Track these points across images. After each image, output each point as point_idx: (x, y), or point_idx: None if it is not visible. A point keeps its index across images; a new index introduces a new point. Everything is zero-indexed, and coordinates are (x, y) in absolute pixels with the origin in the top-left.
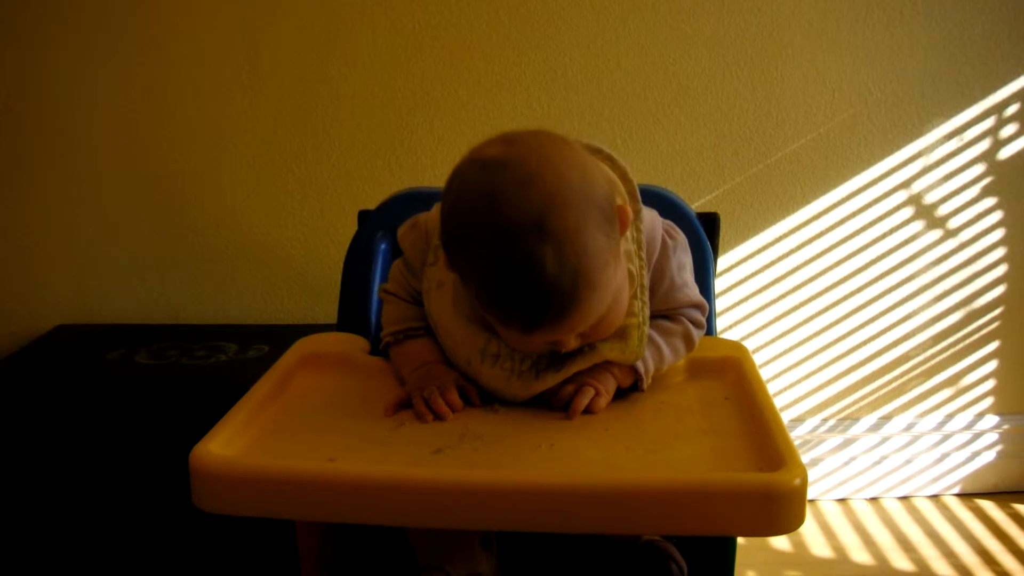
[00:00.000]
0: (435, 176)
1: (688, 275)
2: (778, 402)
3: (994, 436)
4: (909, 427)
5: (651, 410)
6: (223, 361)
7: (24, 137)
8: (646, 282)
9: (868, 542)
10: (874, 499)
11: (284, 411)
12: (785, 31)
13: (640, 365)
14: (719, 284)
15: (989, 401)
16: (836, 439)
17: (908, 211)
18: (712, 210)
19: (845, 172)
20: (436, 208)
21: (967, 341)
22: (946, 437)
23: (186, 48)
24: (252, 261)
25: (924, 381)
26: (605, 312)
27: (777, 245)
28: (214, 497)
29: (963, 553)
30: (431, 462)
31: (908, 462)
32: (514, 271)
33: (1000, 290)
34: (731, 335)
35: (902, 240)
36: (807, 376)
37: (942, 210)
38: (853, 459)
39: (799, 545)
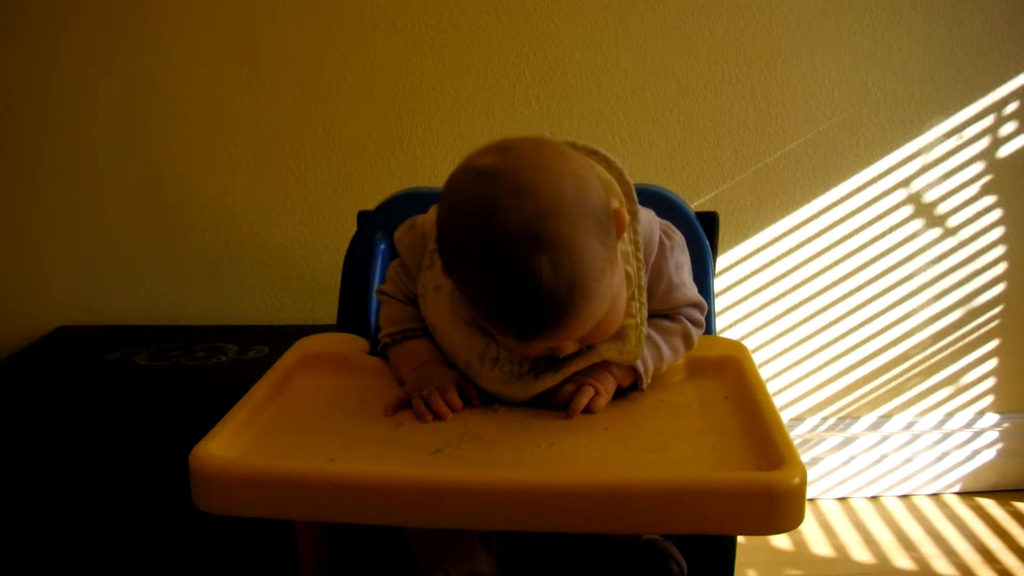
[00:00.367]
0: (434, 176)
1: (686, 274)
2: (778, 401)
3: (994, 434)
4: (909, 426)
5: (651, 409)
6: (223, 362)
7: (24, 137)
8: (644, 283)
9: (868, 541)
10: (874, 498)
11: (284, 412)
12: (784, 30)
13: (639, 365)
14: (718, 283)
15: (989, 399)
16: (836, 438)
17: (907, 209)
18: (711, 209)
19: (844, 171)
20: (433, 211)
21: (967, 339)
22: (946, 435)
23: (186, 48)
24: (252, 261)
25: (924, 379)
26: (603, 317)
27: (776, 244)
28: (214, 497)
29: (963, 551)
30: (431, 462)
31: (908, 461)
32: (510, 281)
33: (1000, 288)
34: (730, 334)
35: (902, 238)
36: (807, 375)
37: (941, 208)
38: (853, 458)
39: (799, 544)
